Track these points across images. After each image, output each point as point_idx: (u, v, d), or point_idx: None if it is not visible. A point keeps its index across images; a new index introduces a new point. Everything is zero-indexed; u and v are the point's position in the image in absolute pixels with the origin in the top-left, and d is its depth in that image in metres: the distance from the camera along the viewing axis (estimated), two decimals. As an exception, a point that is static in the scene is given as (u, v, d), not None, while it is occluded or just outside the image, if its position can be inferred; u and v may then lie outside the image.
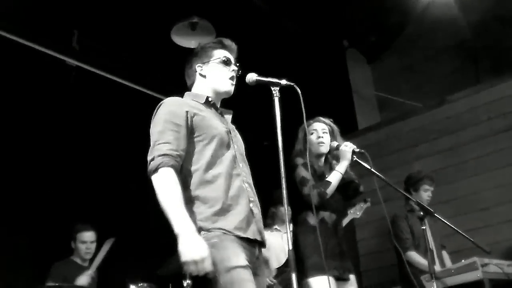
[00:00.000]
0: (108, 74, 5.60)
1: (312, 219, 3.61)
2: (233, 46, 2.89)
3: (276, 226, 5.62)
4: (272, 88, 2.70)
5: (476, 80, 6.50)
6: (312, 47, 6.75)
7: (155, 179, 2.40)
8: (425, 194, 4.98)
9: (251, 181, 2.70)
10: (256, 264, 2.54)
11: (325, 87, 6.87)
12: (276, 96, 2.69)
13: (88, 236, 4.88)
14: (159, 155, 2.41)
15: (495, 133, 5.81)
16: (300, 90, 2.71)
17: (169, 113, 2.55)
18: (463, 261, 3.96)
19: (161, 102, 2.64)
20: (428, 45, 7.02)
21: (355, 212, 5.40)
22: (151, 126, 2.58)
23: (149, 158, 2.45)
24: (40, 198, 4.91)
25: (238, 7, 5.68)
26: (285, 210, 2.50)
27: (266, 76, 2.76)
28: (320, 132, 3.86)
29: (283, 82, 2.71)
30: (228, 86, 2.79)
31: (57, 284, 4.49)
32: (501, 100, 5.85)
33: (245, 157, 2.77)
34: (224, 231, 2.41)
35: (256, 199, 2.68)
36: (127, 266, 5.14)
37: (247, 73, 2.78)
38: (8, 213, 4.71)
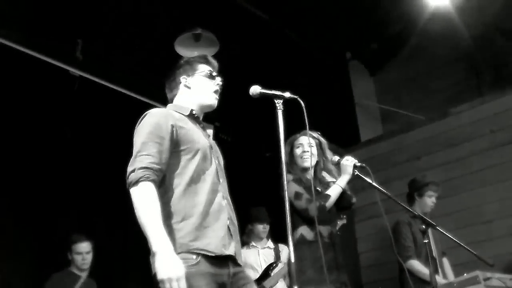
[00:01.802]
0: (112, 84, 5.60)
1: (308, 233, 3.60)
2: (216, 64, 2.90)
3: (252, 243, 5.66)
4: (276, 101, 2.70)
5: (478, 93, 6.50)
6: (314, 59, 6.77)
7: (135, 192, 2.36)
8: (430, 200, 4.93)
9: (229, 197, 2.70)
10: (234, 279, 2.52)
11: (328, 99, 6.89)
12: (279, 108, 2.68)
13: (83, 247, 4.87)
14: (140, 168, 2.38)
15: (498, 145, 5.79)
16: (303, 103, 2.71)
17: (153, 125, 2.53)
18: (465, 274, 3.94)
19: (146, 113, 2.63)
20: (430, 57, 7.03)
21: None
22: (134, 135, 2.56)
23: (129, 169, 2.42)
24: (41, 208, 4.90)
25: (241, 19, 5.70)
26: (288, 222, 2.47)
27: (269, 89, 2.76)
28: (306, 146, 3.86)
29: (287, 94, 2.72)
30: (212, 100, 2.80)
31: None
32: (504, 113, 5.84)
33: (224, 172, 2.76)
34: (203, 252, 2.39)
35: (234, 215, 2.67)
36: (126, 276, 5.15)
37: (250, 85, 2.78)
38: (10, 223, 4.70)
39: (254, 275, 5.33)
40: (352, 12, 6.36)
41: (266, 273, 5.20)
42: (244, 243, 5.64)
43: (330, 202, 3.64)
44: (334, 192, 3.68)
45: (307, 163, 3.83)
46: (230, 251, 2.50)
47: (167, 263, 2.22)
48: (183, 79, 2.81)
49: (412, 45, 7.23)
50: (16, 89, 4.89)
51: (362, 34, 6.99)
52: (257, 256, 5.55)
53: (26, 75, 4.94)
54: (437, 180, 5.07)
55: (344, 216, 5.43)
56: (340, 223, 5.39)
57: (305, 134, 3.92)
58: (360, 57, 7.57)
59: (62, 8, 4.96)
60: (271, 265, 5.28)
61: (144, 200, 2.33)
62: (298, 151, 3.88)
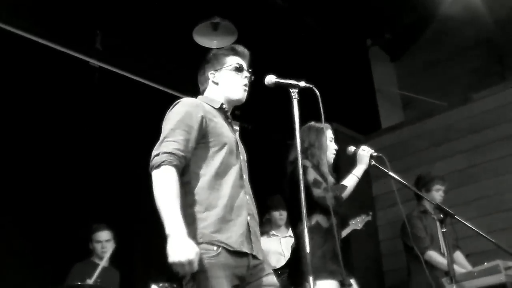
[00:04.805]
0: (132, 75, 5.62)
1: (324, 222, 3.57)
2: (246, 52, 2.88)
3: (273, 232, 5.67)
4: (291, 90, 2.68)
5: (501, 78, 6.41)
6: (334, 45, 6.73)
7: (156, 175, 2.38)
8: (437, 194, 4.95)
9: (251, 193, 2.71)
10: (254, 271, 2.53)
11: (348, 86, 6.85)
12: (295, 98, 2.67)
13: (103, 235, 4.94)
14: (165, 152, 2.41)
15: (520, 132, 5.72)
16: (323, 89, 2.70)
17: (184, 113, 2.55)
18: (485, 263, 3.91)
19: (178, 101, 2.64)
20: (452, 42, 6.95)
21: (356, 224, 5.38)
22: (163, 122, 2.59)
23: (154, 152, 2.44)
24: (62, 200, 4.95)
25: (259, 7, 5.69)
26: (304, 212, 2.48)
27: (288, 77, 2.74)
28: (333, 142, 3.86)
29: (302, 84, 2.69)
30: (240, 94, 2.79)
31: (75, 284, 4.54)
32: (527, 98, 5.76)
33: (247, 168, 2.77)
34: (223, 245, 2.40)
35: (255, 211, 2.69)
36: (149, 265, 5.18)
37: (270, 73, 2.76)
38: (29, 215, 4.75)
39: (278, 261, 5.35)
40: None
41: (292, 261, 5.19)
42: (264, 232, 5.67)
43: (346, 193, 3.62)
44: (350, 182, 3.66)
45: (332, 160, 3.85)
46: (247, 248, 2.51)
47: (179, 246, 2.22)
48: (211, 75, 2.82)
49: (433, 30, 7.16)
50: (37, 81, 4.92)
51: (382, 20, 6.92)
52: (279, 245, 5.56)
53: (46, 67, 4.98)
54: (459, 167, 5.04)
55: (370, 213, 5.43)
56: (365, 219, 5.40)
57: (330, 128, 3.91)
58: (380, 43, 7.49)
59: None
60: None
61: (165, 183, 2.36)
62: (331, 145, 3.84)
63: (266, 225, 5.69)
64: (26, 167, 4.82)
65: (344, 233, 5.07)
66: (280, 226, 5.64)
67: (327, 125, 3.90)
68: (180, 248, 2.22)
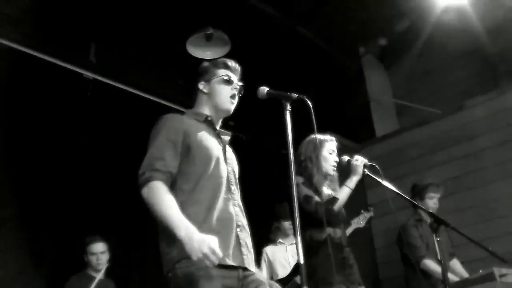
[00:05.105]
0: (125, 87, 5.64)
1: (317, 236, 3.62)
2: (237, 67, 2.92)
3: (280, 240, 5.71)
4: (283, 102, 2.67)
5: (494, 85, 6.43)
6: (327, 55, 6.75)
7: (145, 192, 2.42)
8: (431, 201, 4.95)
9: (241, 204, 2.72)
10: (245, 282, 2.53)
11: (342, 95, 6.87)
12: (287, 109, 2.65)
13: (97, 247, 4.92)
14: (150, 170, 2.45)
15: (514, 139, 5.72)
16: (317, 98, 2.70)
17: (167, 129, 2.59)
18: (480, 271, 3.91)
19: (161, 117, 2.67)
20: (445, 50, 6.96)
21: (358, 222, 5.42)
22: (149, 139, 2.61)
23: (140, 171, 2.48)
24: (57, 212, 4.93)
25: (252, 18, 5.70)
26: (296, 221, 2.47)
27: (280, 87, 2.74)
28: (335, 155, 3.86)
29: (294, 95, 2.68)
30: (228, 105, 2.82)
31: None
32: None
33: (237, 179, 2.78)
34: None
35: (245, 222, 2.69)
36: (144, 277, 5.19)
37: (264, 83, 2.78)
38: (24, 229, 4.73)
39: (284, 271, 5.36)
40: (364, 6, 6.32)
41: (296, 270, 5.21)
42: (271, 240, 5.69)
43: (338, 205, 3.63)
44: (342, 194, 3.67)
45: (333, 172, 3.86)
46: (235, 261, 2.51)
47: (196, 241, 2.25)
48: (201, 85, 2.86)
49: (426, 38, 7.17)
50: (31, 93, 4.92)
51: (375, 29, 6.94)
52: (285, 252, 5.58)
53: (40, 79, 4.99)
54: (453, 174, 5.02)
55: (371, 208, 5.42)
56: (367, 215, 5.41)
57: (333, 140, 3.93)
58: (374, 52, 7.52)
59: (75, 12, 5.01)
60: None
61: (156, 195, 2.40)
62: (331, 157, 3.86)
63: (275, 233, 5.72)
64: (21, 179, 4.80)
65: (347, 232, 5.07)
66: (289, 235, 5.66)
67: (330, 137, 3.92)
68: (198, 243, 2.24)
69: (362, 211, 5.54)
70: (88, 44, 5.36)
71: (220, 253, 2.26)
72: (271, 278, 5.51)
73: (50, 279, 4.79)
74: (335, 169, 3.86)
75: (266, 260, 5.62)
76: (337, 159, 3.86)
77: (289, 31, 6.18)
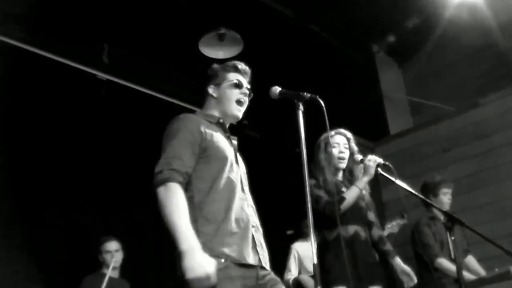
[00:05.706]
0: (139, 87, 5.66)
1: (328, 235, 3.64)
2: (247, 70, 2.91)
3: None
4: (296, 101, 2.66)
5: (508, 82, 6.37)
6: (341, 53, 6.74)
7: (162, 192, 2.39)
8: (445, 197, 4.90)
9: (253, 204, 2.73)
10: (263, 282, 2.53)
11: (356, 93, 6.85)
12: (299, 109, 2.63)
13: (111, 245, 4.95)
14: (168, 169, 2.43)
15: (530, 136, 5.68)
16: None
17: (183, 129, 2.58)
18: (496, 270, 3.88)
19: (176, 117, 2.67)
20: (459, 47, 6.91)
21: (392, 228, 5.36)
22: (163, 138, 2.60)
23: (156, 169, 2.45)
24: (71, 213, 4.97)
25: (264, 17, 5.70)
26: (309, 221, 2.46)
27: (293, 86, 2.73)
28: (342, 147, 3.84)
29: (306, 95, 2.66)
30: (235, 111, 2.82)
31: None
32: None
33: (247, 181, 2.79)
34: (229, 259, 2.41)
35: (258, 223, 2.69)
36: (160, 277, 5.21)
37: (277, 82, 2.78)
38: (39, 229, 4.76)
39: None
40: (377, 4, 6.29)
41: None
42: (303, 236, 5.68)
43: (345, 205, 3.62)
44: (351, 194, 3.65)
45: (342, 165, 3.84)
46: (253, 260, 2.52)
47: (196, 261, 2.22)
48: (211, 89, 2.86)
49: (439, 35, 7.12)
50: (44, 94, 4.96)
51: (388, 26, 6.91)
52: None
53: (54, 81, 5.02)
54: (468, 172, 4.98)
55: (405, 216, 5.37)
56: (401, 222, 5.35)
57: (340, 133, 3.90)
58: (387, 49, 7.48)
59: (88, 14, 5.04)
60: None
61: (171, 199, 2.37)
62: (335, 151, 3.83)
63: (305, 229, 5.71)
64: (34, 179, 4.83)
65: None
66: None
67: (336, 131, 3.89)
68: (197, 264, 2.22)
69: (396, 217, 5.49)
70: (101, 45, 5.39)
71: (215, 279, 2.23)
72: (300, 273, 5.55)
73: (65, 280, 4.82)
74: (342, 161, 3.83)
75: (296, 256, 5.64)
76: (343, 151, 3.83)
77: (301, 29, 6.17)
